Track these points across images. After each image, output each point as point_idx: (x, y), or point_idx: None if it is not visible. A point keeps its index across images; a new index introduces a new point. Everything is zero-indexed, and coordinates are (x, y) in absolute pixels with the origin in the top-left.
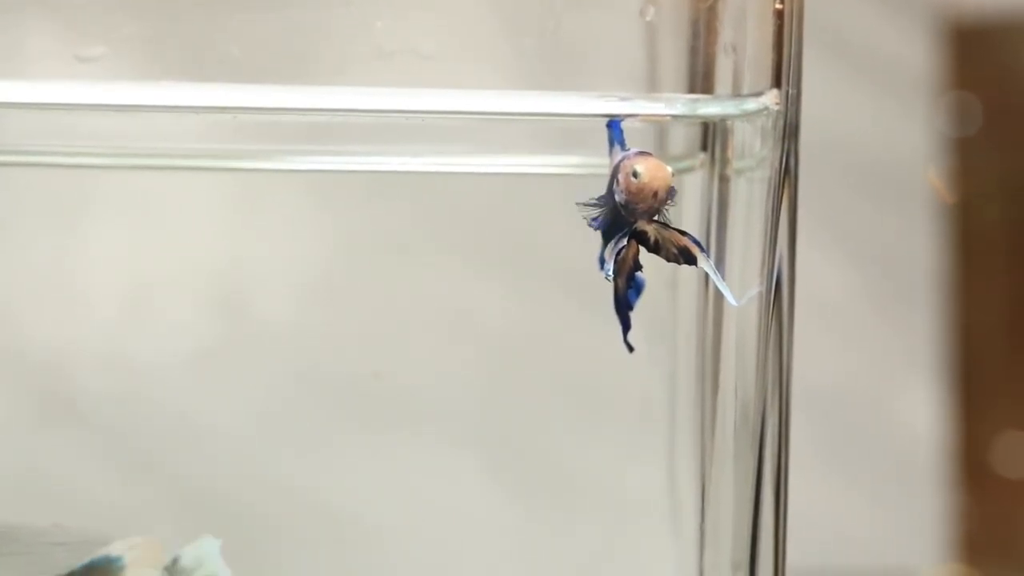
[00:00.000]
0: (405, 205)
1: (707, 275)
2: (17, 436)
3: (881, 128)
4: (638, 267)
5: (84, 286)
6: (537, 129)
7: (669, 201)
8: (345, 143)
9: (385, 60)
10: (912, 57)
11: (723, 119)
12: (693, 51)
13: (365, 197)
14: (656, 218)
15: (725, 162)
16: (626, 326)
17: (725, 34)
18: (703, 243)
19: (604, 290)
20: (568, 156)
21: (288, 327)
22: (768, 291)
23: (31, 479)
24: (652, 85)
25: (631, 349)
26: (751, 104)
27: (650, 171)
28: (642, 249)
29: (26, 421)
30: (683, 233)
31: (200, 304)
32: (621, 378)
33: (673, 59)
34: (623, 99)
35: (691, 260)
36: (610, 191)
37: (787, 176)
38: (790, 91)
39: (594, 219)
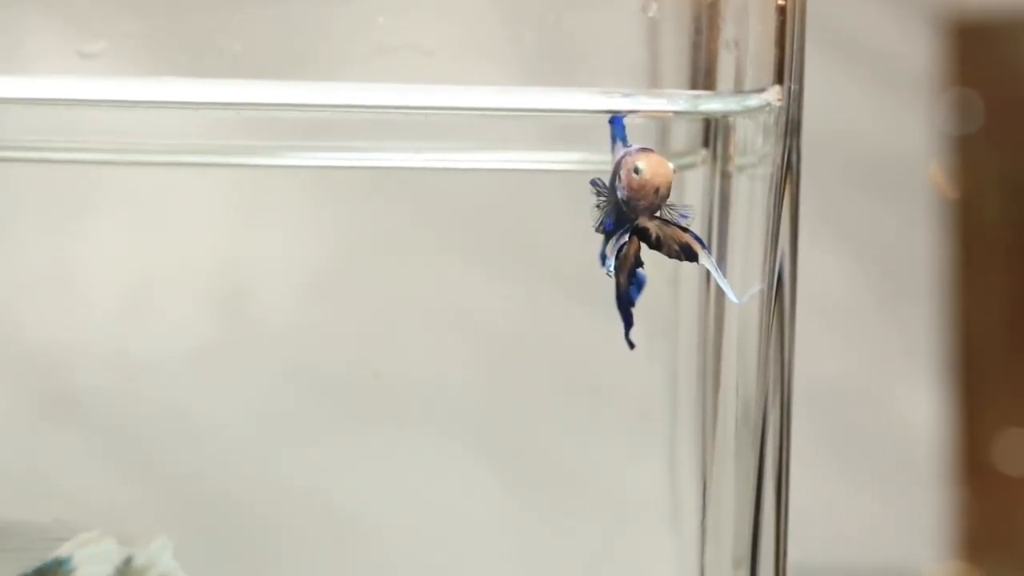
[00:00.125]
0: (406, 202)
1: (708, 272)
2: (17, 433)
3: (882, 125)
4: (639, 263)
5: (84, 283)
6: (539, 125)
7: (671, 201)
8: (346, 139)
9: (386, 56)
10: (913, 54)
11: (725, 115)
12: (695, 47)
13: (366, 193)
14: (657, 214)
15: (727, 158)
16: (628, 323)
17: (727, 30)
18: (704, 239)
19: (605, 287)
20: (570, 152)
21: (288, 324)
22: (769, 288)
23: (31, 476)
24: (654, 81)
25: (632, 346)
26: (753, 100)
27: (652, 167)
28: (643, 245)
29: (27, 418)
30: (685, 229)
31: (200, 301)
32: (622, 375)
33: (675, 55)
34: (625, 95)
35: (692, 257)
36: (612, 187)
37: (789, 173)
38: (792, 87)
39: (600, 222)
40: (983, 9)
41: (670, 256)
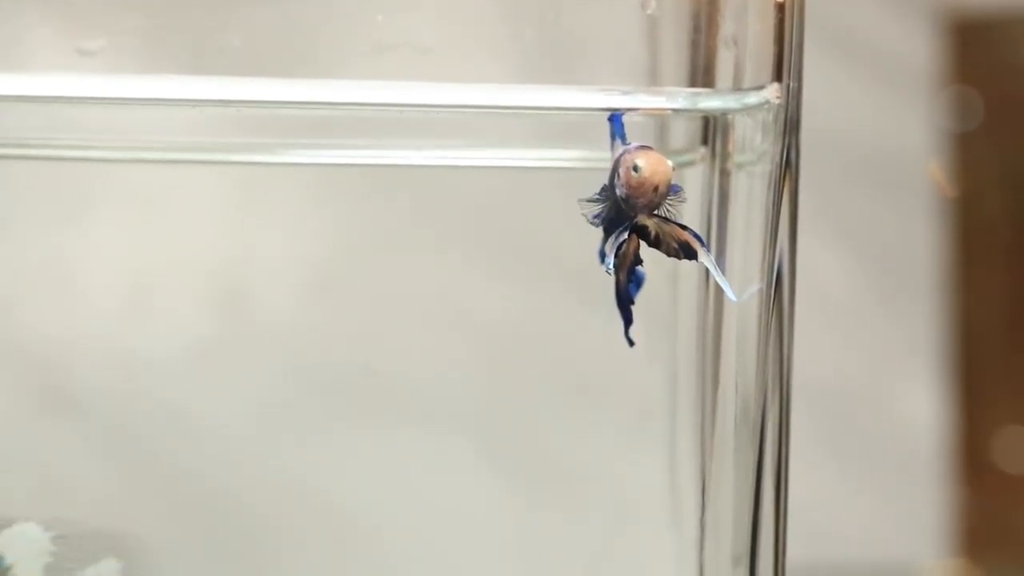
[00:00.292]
0: (405, 199)
1: (707, 269)
2: (17, 430)
3: (882, 122)
4: (639, 261)
5: (84, 280)
6: (538, 123)
7: (672, 196)
8: (346, 137)
9: (386, 54)
10: (913, 51)
11: (724, 113)
12: (694, 45)
13: (366, 191)
14: (656, 212)
15: (726, 156)
16: (627, 320)
17: (726, 28)
18: (703, 237)
19: (605, 284)
20: (569, 150)
21: (288, 322)
22: (768, 285)
23: (31, 472)
24: (653, 79)
25: (632, 343)
26: (752, 98)
27: (651, 165)
28: (643, 243)
29: (26, 415)
30: (684, 227)
31: (200, 299)
32: (621, 373)
33: (674, 53)
34: (624, 93)
35: (691, 254)
36: (611, 185)
37: (788, 170)
38: (791, 85)
39: (595, 216)
40: (983, 6)
41: (669, 254)
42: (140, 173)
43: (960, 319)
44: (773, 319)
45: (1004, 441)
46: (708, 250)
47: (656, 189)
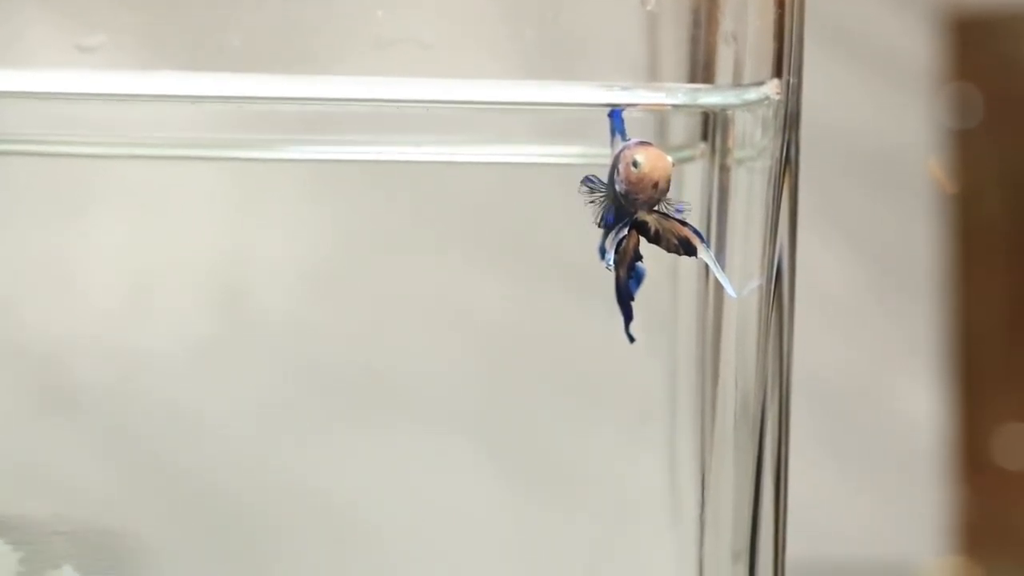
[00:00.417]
0: (405, 195)
1: (707, 266)
2: (16, 427)
3: (882, 119)
4: (639, 257)
5: (83, 277)
6: (538, 119)
7: (669, 196)
8: (345, 133)
9: (385, 49)
10: (913, 48)
11: (724, 109)
12: (694, 40)
13: (365, 188)
14: (656, 208)
15: (726, 152)
16: (628, 317)
17: (726, 23)
18: (703, 233)
19: (604, 281)
20: (569, 146)
21: (287, 319)
22: (768, 281)
23: (30, 470)
24: (653, 74)
25: (632, 340)
26: (752, 94)
27: (650, 161)
28: (642, 239)
29: (25, 412)
30: (683, 223)
31: (200, 296)
32: (621, 369)
33: (674, 48)
34: (624, 88)
35: (691, 251)
36: (611, 181)
37: (788, 166)
38: (791, 81)
39: (600, 218)
40: (982, 3)
41: (669, 250)
42: (139, 170)
43: (960, 316)
44: (773, 315)
45: (1004, 438)
46: (708, 246)
47: (656, 185)
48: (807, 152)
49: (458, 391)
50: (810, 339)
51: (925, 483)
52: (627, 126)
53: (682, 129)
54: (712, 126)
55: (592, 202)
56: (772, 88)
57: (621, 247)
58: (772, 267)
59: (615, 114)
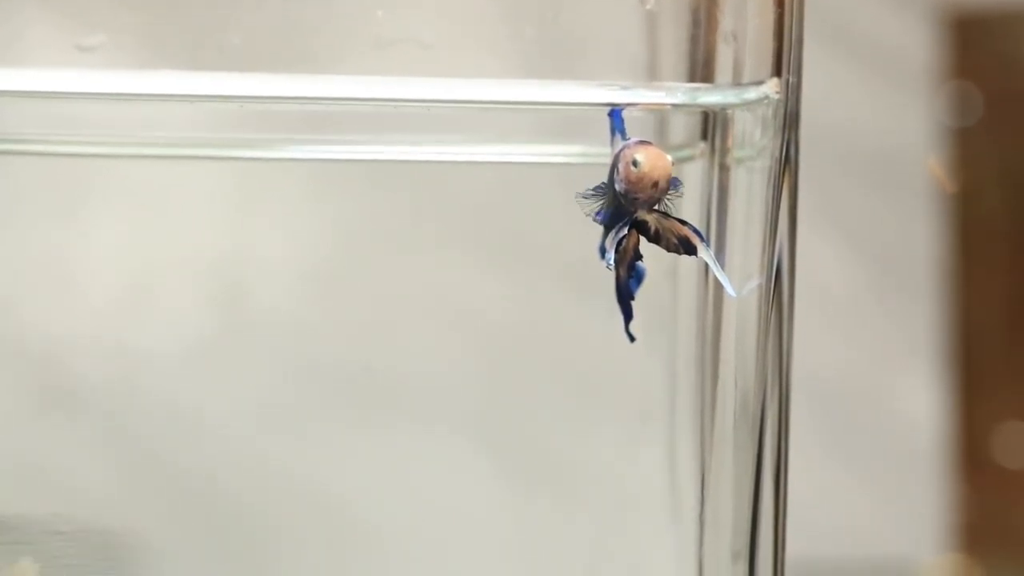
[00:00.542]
0: (405, 195)
1: (707, 265)
2: (16, 426)
3: (881, 117)
4: (639, 256)
5: (83, 276)
6: (537, 118)
7: (672, 192)
8: (345, 132)
9: (385, 49)
10: (913, 46)
11: (723, 108)
12: (693, 40)
13: (365, 187)
14: (656, 207)
15: (725, 151)
16: (628, 316)
17: (725, 22)
18: (703, 233)
19: (604, 280)
20: (569, 145)
21: (287, 318)
22: (768, 280)
23: (30, 469)
24: (652, 74)
25: (632, 339)
26: (751, 93)
27: (650, 160)
28: (642, 238)
29: (25, 411)
30: (683, 223)
31: (200, 295)
32: (621, 368)
33: (673, 48)
34: (624, 88)
35: (691, 250)
36: (611, 180)
37: (787, 165)
38: (790, 80)
39: (597, 213)
40: (982, 2)
41: (669, 249)
42: (139, 169)
43: (960, 315)
44: (773, 314)
45: (1003, 437)
46: (708, 245)
47: (656, 184)
48: (807, 151)
49: (458, 391)
50: (810, 338)
51: (925, 482)
52: (627, 125)
53: (682, 128)
54: (712, 125)
55: (589, 215)
56: (772, 87)
57: (621, 246)
58: (772, 266)
59: (615, 113)
